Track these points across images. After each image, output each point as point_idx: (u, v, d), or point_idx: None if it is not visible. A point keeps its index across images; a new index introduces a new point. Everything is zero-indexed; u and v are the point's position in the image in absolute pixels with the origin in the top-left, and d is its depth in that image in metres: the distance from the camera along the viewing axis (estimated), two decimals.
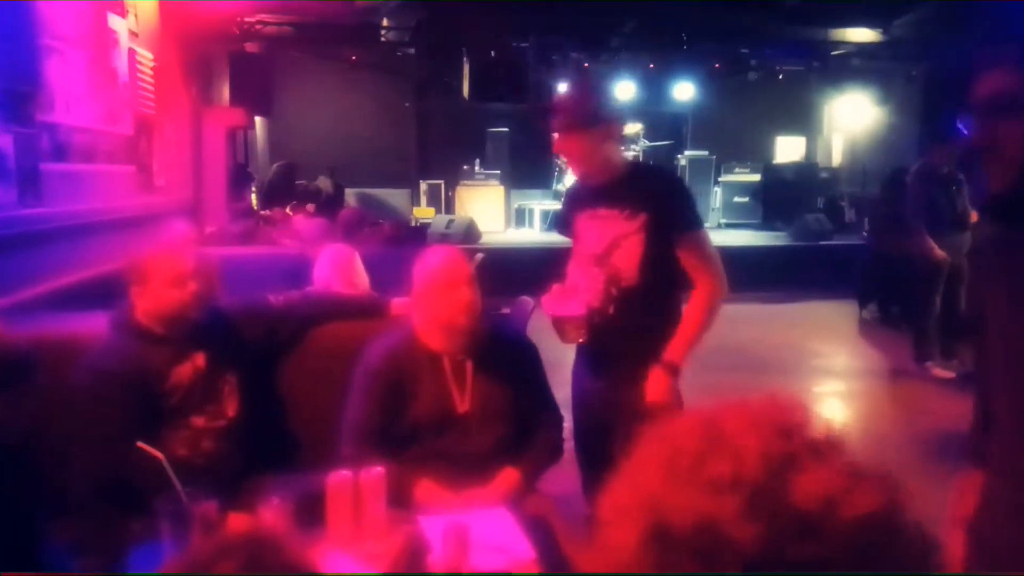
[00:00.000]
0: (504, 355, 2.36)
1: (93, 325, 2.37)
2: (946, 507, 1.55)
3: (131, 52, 5.63)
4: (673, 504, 0.52)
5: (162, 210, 6.24)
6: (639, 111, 10.45)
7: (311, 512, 1.85)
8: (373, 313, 2.69)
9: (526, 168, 10.59)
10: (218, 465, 2.27)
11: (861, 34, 10.28)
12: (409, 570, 1.73)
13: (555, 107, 2.38)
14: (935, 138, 5.69)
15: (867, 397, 5.52)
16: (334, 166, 10.30)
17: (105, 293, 2.80)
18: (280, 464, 2.42)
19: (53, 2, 4.28)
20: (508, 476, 2.24)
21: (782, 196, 10.58)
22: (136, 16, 5.83)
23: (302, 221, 8.18)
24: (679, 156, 11.22)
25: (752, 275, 5.82)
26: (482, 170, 10.40)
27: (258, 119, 10.30)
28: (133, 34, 5.73)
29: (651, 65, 10.62)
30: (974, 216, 5.44)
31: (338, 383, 2.38)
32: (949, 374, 5.48)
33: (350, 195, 10.44)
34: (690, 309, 2.40)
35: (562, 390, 2.61)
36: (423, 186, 10.83)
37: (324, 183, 10.03)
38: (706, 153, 11.14)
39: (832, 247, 9.22)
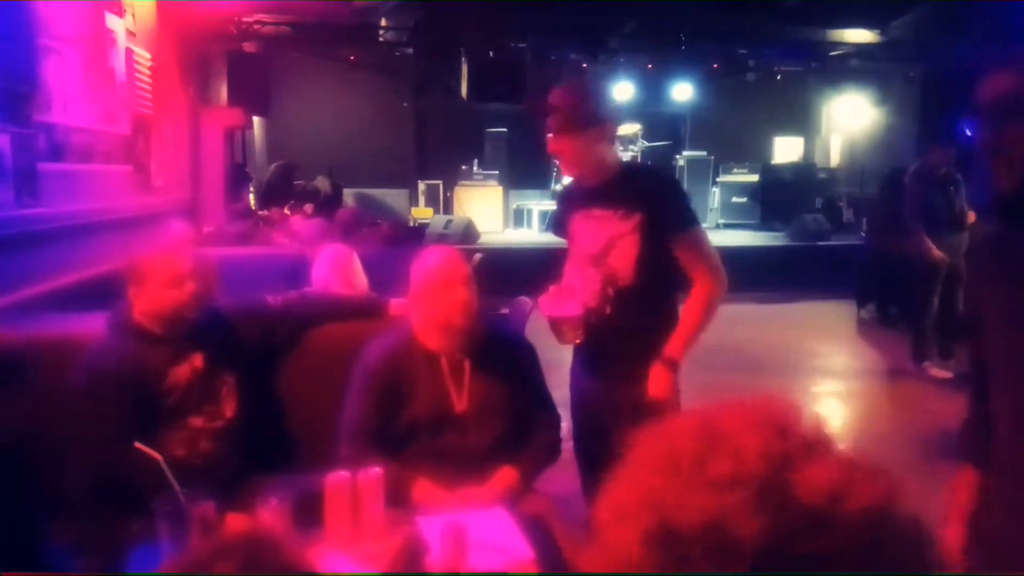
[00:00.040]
0: (502, 355, 2.37)
1: (91, 325, 2.37)
2: (943, 505, 1.56)
3: (128, 52, 5.62)
4: (679, 504, 0.52)
5: (160, 210, 6.23)
6: (638, 111, 10.46)
7: (309, 513, 1.85)
8: (371, 314, 2.69)
9: (524, 168, 10.59)
10: (216, 466, 2.27)
11: (859, 35, 10.29)
12: (407, 570, 1.72)
13: (548, 109, 2.38)
14: (933, 139, 5.70)
15: (865, 397, 5.53)
16: (332, 166, 10.30)
17: (103, 293, 2.80)
18: (278, 465, 2.41)
19: (50, 1, 4.27)
20: (505, 475, 2.25)
21: (780, 196, 10.59)
22: (134, 16, 5.82)
23: (300, 221, 8.16)
24: (677, 156, 11.24)
25: (750, 275, 5.82)
26: (480, 170, 10.40)
27: (256, 119, 10.28)
28: (131, 34, 5.72)
29: (649, 65, 10.62)
30: (971, 216, 5.45)
31: (336, 384, 2.37)
32: (947, 374, 5.49)
33: (348, 195, 10.43)
34: (689, 305, 2.40)
35: (561, 390, 2.61)
36: (421, 186, 10.83)
37: (322, 183, 10.02)
38: (704, 153, 11.15)
39: (830, 247, 9.23)
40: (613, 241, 2.37)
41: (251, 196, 9.39)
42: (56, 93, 4.28)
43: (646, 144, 10.52)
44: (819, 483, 0.52)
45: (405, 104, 11.77)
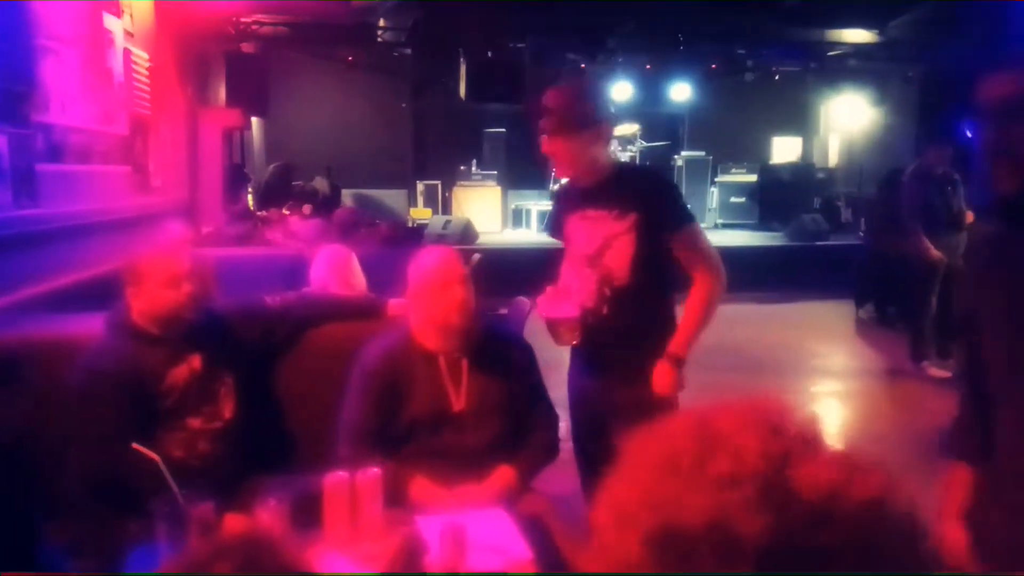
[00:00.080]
0: (500, 354, 2.37)
1: (89, 326, 2.37)
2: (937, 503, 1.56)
3: (126, 52, 5.62)
4: (680, 504, 0.52)
5: (158, 211, 6.22)
6: (636, 112, 10.46)
7: (308, 513, 1.85)
8: (370, 314, 2.69)
9: (523, 169, 10.58)
10: (214, 466, 2.26)
11: (857, 35, 10.29)
12: (406, 571, 1.72)
13: (542, 110, 2.38)
14: (931, 139, 5.70)
15: (864, 397, 5.53)
16: (331, 167, 10.29)
17: (101, 294, 2.79)
18: (277, 465, 2.41)
19: (48, 2, 4.27)
20: (503, 474, 2.25)
21: (778, 196, 10.59)
22: (131, 16, 5.81)
23: (298, 222, 8.16)
24: (676, 156, 11.23)
25: (749, 275, 5.82)
26: (479, 171, 10.40)
27: (254, 119, 10.28)
28: (128, 34, 5.71)
29: (648, 66, 10.62)
30: (969, 216, 5.45)
31: (335, 384, 2.37)
32: (945, 374, 5.49)
33: (347, 196, 10.43)
34: (691, 303, 2.41)
35: (559, 390, 2.61)
36: (420, 187, 10.82)
37: (321, 184, 10.01)
38: (703, 154, 11.15)
39: (829, 247, 9.23)
40: (608, 241, 2.38)
41: (249, 197, 9.39)
42: (54, 93, 4.27)
43: (644, 144, 10.52)
44: (818, 479, 0.52)
45: (403, 104, 11.76)
